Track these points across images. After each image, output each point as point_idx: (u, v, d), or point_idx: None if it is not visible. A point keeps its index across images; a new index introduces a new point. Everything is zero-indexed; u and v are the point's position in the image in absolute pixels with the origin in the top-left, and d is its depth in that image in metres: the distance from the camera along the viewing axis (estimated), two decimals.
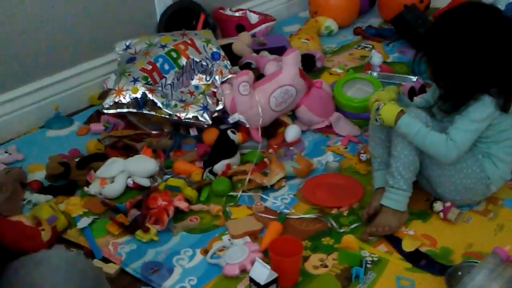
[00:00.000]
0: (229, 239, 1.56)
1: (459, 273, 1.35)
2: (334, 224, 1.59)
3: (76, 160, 1.83)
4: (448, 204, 1.58)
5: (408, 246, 1.49)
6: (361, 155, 1.87)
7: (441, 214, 1.57)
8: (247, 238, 1.55)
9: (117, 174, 1.74)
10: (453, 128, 1.50)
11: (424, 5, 2.86)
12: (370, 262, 1.46)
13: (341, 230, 1.57)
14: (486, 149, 1.54)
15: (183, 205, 1.64)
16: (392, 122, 1.53)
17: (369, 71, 2.34)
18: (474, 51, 1.44)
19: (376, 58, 2.39)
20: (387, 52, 2.63)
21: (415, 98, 1.95)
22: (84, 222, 1.62)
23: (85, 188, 1.75)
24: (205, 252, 1.52)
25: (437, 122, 1.57)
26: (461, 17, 1.48)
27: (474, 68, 1.45)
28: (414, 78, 2.16)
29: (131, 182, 1.76)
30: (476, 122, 1.48)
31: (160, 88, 1.94)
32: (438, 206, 1.59)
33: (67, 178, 1.78)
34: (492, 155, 1.54)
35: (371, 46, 2.70)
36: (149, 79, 1.94)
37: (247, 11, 2.72)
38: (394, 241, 1.51)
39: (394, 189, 1.54)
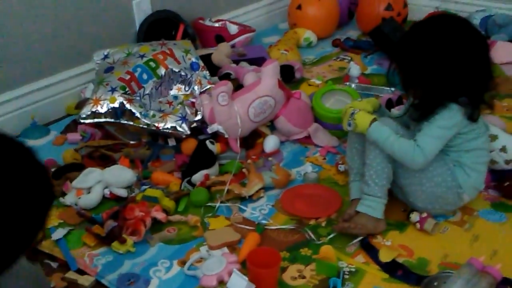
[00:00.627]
0: (207, 250, 1.55)
1: (435, 283, 1.36)
2: (312, 236, 1.59)
3: (52, 170, 1.80)
4: (424, 214, 1.59)
5: (385, 256, 1.50)
6: (339, 166, 1.88)
7: (418, 225, 1.59)
8: (225, 249, 1.54)
9: (94, 185, 1.72)
10: (420, 135, 1.51)
11: (402, 18, 2.90)
12: (347, 273, 1.46)
13: (319, 242, 1.57)
14: (457, 158, 1.56)
15: (160, 215, 1.62)
16: (365, 127, 1.55)
17: (348, 83, 2.36)
18: (442, 60, 1.46)
19: (355, 70, 2.41)
20: (365, 64, 2.65)
21: (392, 110, 1.97)
22: (59, 234, 1.59)
23: (61, 198, 1.73)
24: (183, 263, 1.50)
25: (409, 131, 1.59)
26: (430, 28, 1.50)
27: (442, 78, 1.47)
28: (392, 90, 2.18)
29: (108, 193, 1.74)
30: (442, 129, 1.50)
31: (138, 98, 1.93)
32: (414, 216, 1.60)
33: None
34: (463, 164, 1.56)
35: (349, 58, 2.72)
36: (127, 89, 1.92)
37: (227, 22, 2.72)
38: (371, 252, 1.52)
39: (369, 196, 1.56)
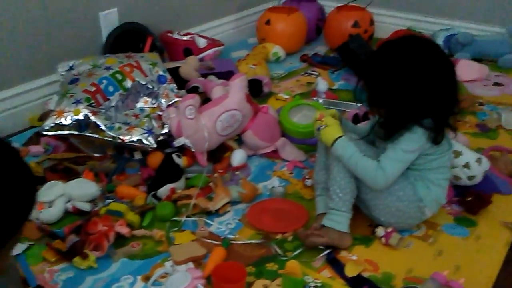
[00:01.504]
0: (171, 265, 1.52)
1: None
2: (278, 250, 1.58)
3: None
4: (389, 229, 1.60)
5: (350, 271, 1.49)
6: (306, 180, 1.88)
7: (383, 240, 1.59)
8: (191, 264, 1.52)
9: (56, 198, 1.68)
10: (384, 157, 1.53)
11: (368, 35, 2.95)
12: None
13: (285, 257, 1.56)
14: (419, 174, 1.58)
15: (124, 230, 1.59)
16: (329, 143, 1.57)
17: (315, 98, 2.38)
18: (408, 83, 1.46)
19: (322, 85, 2.43)
20: (332, 80, 2.68)
21: (359, 125, 1.99)
22: (18, 249, 1.54)
23: None
24: (147, 279, 1.47)
25: (374, 149, 1.61)
26: (399, 49, 1.51)
27: (407, 99, 1.48)
28: (358, 105, 2.21)
29: (71, 207, 1.70)
30: (405, 153, 1.51)
31: (103, 110, 1.90)
32: (380, 231, 1.61)
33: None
34: (425, 179, 1.58)
35: (317, 73, 2.75)
36: (92, 101, 1.89)
37: (196, 36, 2.72)
38: (337, 266, 1.52)
39: (334, 211, 1.57)
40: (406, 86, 1.47)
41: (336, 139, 1.56)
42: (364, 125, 1.85)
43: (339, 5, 3.05)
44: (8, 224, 0.94)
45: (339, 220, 1.56)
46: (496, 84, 2.65)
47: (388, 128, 1.54)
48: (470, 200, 1.73)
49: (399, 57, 1.49)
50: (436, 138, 1.51)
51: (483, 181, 1.79)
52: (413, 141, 1.50)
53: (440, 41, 2.92)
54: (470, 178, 1.77)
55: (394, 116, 1.52)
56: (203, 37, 2.73)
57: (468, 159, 1.76)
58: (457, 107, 1.53)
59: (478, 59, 2.81)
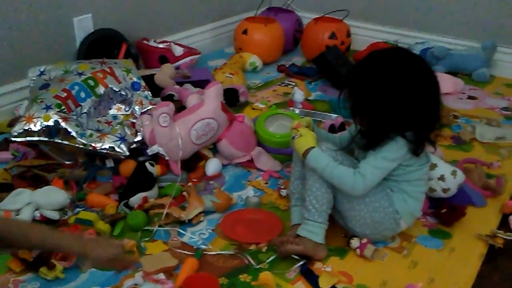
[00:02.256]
0: (142, 277, 1.48)
1: None
2: (251, 261, 1.55)
3: None
4: (364, 240, 1.59)
5: (324, 283, 1.47)
6: (281, 190, 1.87)
7: (358, 251, 1.58)
8: (162, 275, 1.48)
9: (23, 206, 1.63)
10: (364, 162, 1.53)
11: (345, 47, 2.96)
12: None
13: (258, 266, 1.53)
14: (396, 185, 1.57)
15: None
16: (300, 153, 1.56)
17: (292, 108, 2.37)
18: (394, 94, 1.47)
19: (299, 95, 2.42)
20: (309, 90, 2.68)
21: (334, 135, 1.98)
22: None
23: None
24: None
25: (351, 159, 1.60)
26: (387, 60, 1.51)
27: (391, 111, 1.48)
28: (334, 116, 2.20)
29: (39, 215, 1.65)
30: (386, 161, 1.51)
31: (75, 117, 1.86)
32: (355, 242, 1.59)
33: None
34: (402, 191, 1.58)
35: (294, 84, 2.75)
36: (63, 107, 1.85)
37: (172, 44, 2.70)
38: (311, 278, 1.49)
39: (310, 221, 1.55)
40: (392, 98, 1.47)
41: (308, 150, 1.55)
42: (339, 135, 1.84)
43: (316, 16, 3.06)
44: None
45: (314, 231, 1.55)
46: (470, 97, 2.68)
47: (370, 137, 1.54)
48: (444, 212, 1.74)
49: (386, 68, 1.49)
50: (416, 150, 1.52)
51: (458, 193, 1.80)
52: (395, 150, 1.50)
53: (415, 53, 2.94)
54: (445, 190, 1.78)
55: (378, 126, 1.52)
56: (179, 45, 2.71)
57: (443, 172, 1.77)
58: (438, 123, 1.54)
59: (453, 72, 2.84)
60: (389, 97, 1.47)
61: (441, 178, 1.76)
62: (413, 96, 1.47)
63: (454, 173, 1.78)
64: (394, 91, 1.47)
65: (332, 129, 2.11)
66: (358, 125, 1.59)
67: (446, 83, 2.71)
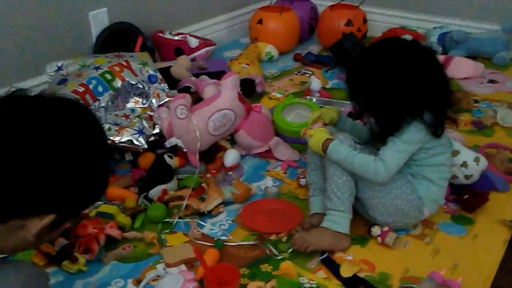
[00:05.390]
0: (163, 268, 1.49)
1: None
2: (273, 250, 1.55)
3: None
4: (385, 228, 1.57)
5: (346, 271, 1.47)
6: (301, 179, 1.86)
7: (379, 239, 1.57)
8: (183, 267, 1.49)
9: None
10: (385, 148, 1.51)
11: (362, 34, 2.93)
12: None
13: (280, 257, 1.53)
14: (420, 172, 1.56)
15: (115, 232, 1.56)
16: (321, 152, 1.56)
17: (309, 97, 2.35)
18: (391, 80, 1.45)
19: (316, 84, 2.41)
20: (326, 78, 2.66)
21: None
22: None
23: None
24: (138, 282, 1.44)
25: (371, 148, 1.58)
26: (376, 51, 1.51)
27: (394, 96, 1.46)
28: (352, 103, 2.18)
29: None
30: (406, 144, 1.50)
31: (93, 111, 1.87)
32: (376, 230, 1.58)
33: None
34: (425, 178, 1.56)
35: (310, 72, 2.73)
36: (82, 101, 1.86)
37: (187, 35, 2.69)
38: (332, 267, 1.49)
39: (333, 211, 1.54)
40: (392, 83, 1.45)
41: (325, 146, 1.54)
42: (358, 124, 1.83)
43: (332, 3, 3.03)
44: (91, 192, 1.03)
45: (337, 221, 1.53)
46: (491, 81, 2.64)
47: (387, 126, 1.52)
48: (467, 198, 1.71)
49: (380, 57, 1.48)
50: (436, 130, 1.50)
51: (480, 179, 1.77)
52: (414, 132, 1.49)
53: (434, 39, 2.91)
54: (467, 177, 1.75)
55: (390, 113, 1.50)
56: (195, 37, 2.71)
57: (465, 158, 1.74)
58: (451, 98, 1.52)
59: (472, 56, 2.80)
60: (390, 83, 1.45)
61: (464, 164, 1.74)
62: (413, 78, 1.45)
63: (477, 160, 1.75)
64: (393, 77, 1.45)
65: (351, 116, 2.08)
66: (371, 118, 1.58)
67: (466, 67, 2.68)
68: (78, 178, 0.99)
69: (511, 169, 1.88)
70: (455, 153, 1.72)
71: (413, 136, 1.49)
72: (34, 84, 2.21)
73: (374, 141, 1.59)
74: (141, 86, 2.00)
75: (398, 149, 1.49)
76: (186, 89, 2.19)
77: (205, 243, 1.58)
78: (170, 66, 2.30)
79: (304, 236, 1.53)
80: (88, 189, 1.03)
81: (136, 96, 1.99)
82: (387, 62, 1.46)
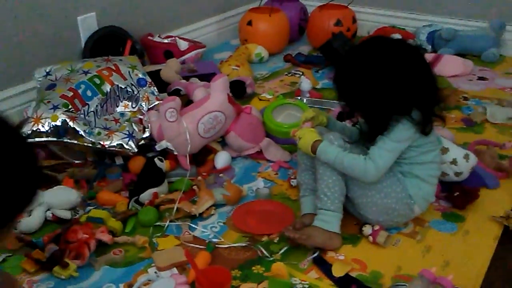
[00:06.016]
0: (155, 272, 1.48)
1: None
2: (265, 252, 1.55)
3: None
4: (376, 227, 1.57)
5: (338, 271, 1.47)
6: (292, 180, 1.86)
7: (371, 238, 1.57)
8: (175, 270, 1.49)
9: (35, 207, 1.64)
10: (374, 148, 1.52)
11: (351, 33, 2.94)
12: None
13: (271, 258, 1.52)
14: (410, 170, 1.56)
15: (106, 237, 1.55)
16: (310, 153, 1.56)
17: (299, 97, 2.35)
18: (376, 79, 1.45)
19: (306, 84, 2.41)
20: (316, 79, 2.67)
21: (343, 122, 1.97)
22: None
23: None
24: (129, 287, 1.43)
25: (361, 147, 1.58)
26: (361, 51, 1.51)
27: (381, 95, 1.46)
28: (343, 103, 2.18)
29: (51, 215, 1.66)
30: (395, 142, 1.50)
31: (82, 116, 1.86)
32: (367, 229, 1.58)
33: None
34: (415, 176, 1.56)
35: (301, 73, 2.73)
36: (70, 107, 1.85)
37: (177, 38, 2.68)
38: (324, 267, 1.49)
39: (323, 211, 1.54)
40: (378, 81, 1.45)
41: (314, 147, 1.54)
42: (349, 123, 1.83)
43: (321, 4, 3.03)
44: (14, 203, 0.94)
45: (327, 220, 1.53)
46: (481, 78, 2.65)
47: (376, 125, 1.52)
48: (457, 195, 1.72)
49: (365, 57, 1.48)
50: (424, 128, 1.50)
51: (470, 176, 1.78)
52: (402, 131, 1.49)
53: (423, 37, 2.92)
54: (458, 174, 1.76)
55: (378, 112, 1.50)
56: (184, 39, 2.70)
57: (455, 156, 1.75)
58: (439, 96, 1.52)
59: (462, 54, 2.82)
60: (377, 82, 1.45)
61: (454, 162, 1.74)
62: (400, 77, 1.44)
63: (466, 157, 1.76)
64: (380, 76, 1.45)
65: (341, 116, 2.09)
66: (361, 118, 1.59)
67: (456, 64, 2.69)
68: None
69: (501, 165, 1.88)
70: (445, 150, 1.73)
71: (402, 134, 1.49)
72: (23, 89, 2.20)
73: (364, 141, 1.59)
74: (131, 90, 1.99)
75: (387, 147, 1.50)
76: (176, 92, 2.19)
77: (196, 245, 1.58)
78: (160, 69, 2.29)
79: (297, 232, 1.53)
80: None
81: (126, 100, 1.98)
82: (374, 61, 1.46)
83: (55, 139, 1.82)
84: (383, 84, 1.45)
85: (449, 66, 2.67)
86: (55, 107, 1.82)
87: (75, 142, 1.83)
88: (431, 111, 1.51)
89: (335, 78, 1.55)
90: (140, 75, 2.04)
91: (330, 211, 1.54)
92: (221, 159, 1.96)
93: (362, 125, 1.62)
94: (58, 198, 1.67)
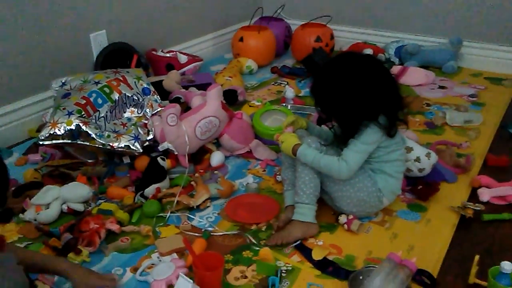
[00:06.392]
0: (157, 257, 1.48)
1: (361, 277, 1.34)
2: (252, 240, 1.54)
3: (12, 189, 1.69)
4: (351, 217, 1.58)
5: (317, 255, 1.47)
6: (277, 176, 1.86)
7: (345, 226, 1.57)
8: (175, 255, 1.48)
9: (52, 201, 1.63)
10: (347, 149, 1.52)
11: (329, 48, 2.94)
12: (284, 272, 1.42)
13: (257, 248, 1.51)
14: (379, 167, 1.56)
15: (114, 227, 1.55)
16: (291, 155, 1.56)
17: (284, 104, 2.35)
18: (348, 91, 1.45)
19: (290, 92, 2.41)
20: (299, 88, 2.66)
21: (322, 126, 1.97)
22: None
23: (21, 214, 1.62)
24: (135, 270, 1.43)
25: (335, 149, 1.59)
26: (336, 66, 1.50)
27: (352, 104, 1.46)
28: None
29: (66, 208, 1.65)
30: (365, 145, 1.50)
31: (93, 121, 1.85)
32: (342, 218, 1.59)
33: (3, 206, 1.64)
34: (383, 172, 1.56)
35: (286, 83, 2.73)
36: (83, 113, 1.84)
37: (177, 53, 2.68)
38: (305, 252, 1.49)
39: (300, 204, 1.54)
40: (350, 93, 1.46)
41: (295, 150, 1.54)
42: (326, 127, 1.83)
43: (303, 22, 3.04)
44: None
45: (304, 213, 1.54)
46: (441, 87, 2.66)
47: (348, 129, 1.52)
48: (420, 188, 1.73)
49: (339, 71, 1.48)
50: (390, 132, 1.50)
51: (432, 172, 1.79)
52: (370, 134, 1.49)
53: (391, 51, 2.93)
54: (421, 170, 1.77)
55: (350, 118, 1.51)
56: (184, 53, 2.69)
57: (418, 154, 1.75)
58: (402, 103, 1.52)
59: (425, 66, 2.83)
60: (348, 91, 1.45)
61: (417, 159, 1.75)
62: (367, 87, 1.45)
63: (428, 155, 1.76)
64: (350, 87, 1.45)
65: (320, 120, 2.09)
66: (335, 122, 1.59)
67: (419, 75, 2.71)
68: None
69: (458, 163, 1.89)
70: (409, 149, 1.74)
71: (370, 137, 1.49)
72: (42, 98, 2.19)
73: (338, 142, 1.60)
74: (136, 98, 1.98)
75: (358, 149, 1.50)
76: (177, 100, 2.18)
77: (194, 234, 1.57)
78: (162, 80, 2.29)
79: (279, 234, 1.53)
80: None
81: (132, 107, 1.97)
82: (345, 74, 1.46)
83: (70, 141, 1.81)
84: (353, 94, 1.45)
85: (414, 77, 2.68)
86: (70, 113, 1.81)
87: (88, 143, 1.82)
88: (395, 116, 1.51)
89: (312, 88, 1.55)
90: (145, 85, 2.04)
91: (306, 204, 1.54)
92: (216, 158, 1.96)
93: (336, 129, 1.62)
94: (73, 193, 1.66)
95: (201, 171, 1.89)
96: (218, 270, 1.33)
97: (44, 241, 1.49)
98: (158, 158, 1.81)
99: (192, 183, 1.77)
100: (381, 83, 1.47)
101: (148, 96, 2.02)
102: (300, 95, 2.56)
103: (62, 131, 1.79)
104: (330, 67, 1.52)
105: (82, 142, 1.81)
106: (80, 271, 1.29)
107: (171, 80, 2.29)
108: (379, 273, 1.28)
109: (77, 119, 1.80)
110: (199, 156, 1.96)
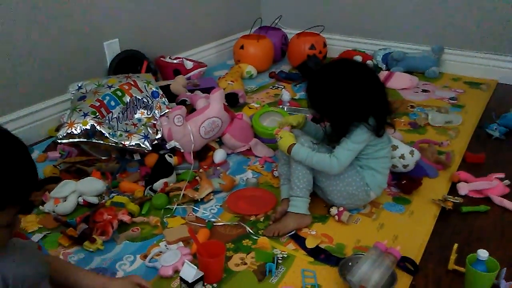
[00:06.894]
0: (165, 245, 1.48)
1: (350, 263, 1.34)
2: (250, 231, 1.54)
3: None
4: (341, 209, 1.58)
5: (310, 243, 1.47)
6: (274, 172, 1.86)
7: (336, 217, 1.57)
8: (181, 244, 1.48)
9: (69, 194, 1.63)
10: (339, 147, 1.52)
11: (322, 55, 2.94)
12: (280, 259, 1.42)
13: (256, 237, 1.51)
14: (367, 163, 1.56)
15: (126, 218, 1.55)
16: (285, 152, 1.56)
17: (281, 106, 2.35)
18: (341, 94, 1.44)
19: (286, 95, 2.40)
20: (295, 91, 2.66)
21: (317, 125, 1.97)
22: (36, 238, 1.49)
23: (40, 206, 1.62)
24: (145, 257, 1.43)
25: (327, 147, 1.58)
26: (329, 71, 1.49)
27: (344, 107, 1.46)
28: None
29: (82, 200, 1.65)
30: (355, 143, 1.50)
31: (107, 121, 1.85)
32: (333, 210, 1.59)
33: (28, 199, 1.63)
34: (371, 168, 1.56)
35: (282, 87, 2.72)
36: (97, 114, 1.83)
37: (184, 59, 2.67)
38: (299, 240, 1.49)
39: (294, 197, 1.54)
40: (342, 97, 1.45)
41: (290, 148, 1.54)
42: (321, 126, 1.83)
43: (298, 31, 3.03)
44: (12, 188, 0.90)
45: (298, 205, 1.54)
46: (424, 91, 2.66)
47: (340, 129, 1.52)
48: (405, 183, 1.72)
49: (332, 76, 1.47)
50: (378, 132, 1.50)
51: (415, 168, 1.78)
52: (360, 134, 1.49)
53: (379, 58, 2.93)
54: (405, 166, 1.77)
55: (341, 119, 1.51)
56: (190, 60, 2.69)
57: (403, 151, 1.75)
58: (391, 107, 1.52)
59: (409, 71, 2.82)
60: (340, 95, 1.45)
61: (402, 156, 1.75)
62: (358, 91, 1.44)
63: (412, 153, 1.76)
64: (342, 91, 1.44)
65: (314, 120, 2.08)
66: (328, 122, 1.58)
67: (404, 80, 2.70)
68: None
69: (439, 159, 1.89)
70: (395, 147, 1.73)
71: (360, 137, 1.49)
72: (60, 100, 2.19)
73: (329, 141, 1.59)
74: (146, 100, 1.98)
75: (348, 147, 1.50)
76: (183, 102, 2.18)
77: (198, 224, 1.57)
78: (170, 84, 2.28)
79: (275, 226, 1.53)
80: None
81: (142, 109, 1.97)
82: (338, 79, 1.46)
83: (85, 139, 1.81)
84: (345, 97, 1.45)
85: (399, 81, 2.68)
86: (85, 114, 1.81)
87: (102, 142, 1.81)
88: (383, 118, 1.51)
89: (307, 91, 1.55)
90: (154, 89, 2.03)
91: (299, 197, 1.54)
92: (219, 155, 1.95)
93: (327, 129, 1.62)
94: (88, 187, 1.66)
95: (205, 167, 1.89)
96: (220, 257, 1.33)
97: (62, 231, 1.49)
98: (166, 155, 1.81)
99: (197, 178, 1.78)
100: (370, 88, 1.46)
101: (157, 99, 2.01)
102: (295, 98, 2.56)
103: (79, 131, 1.78)
104: (324, 73, 1.51)
105: (96, 141, 1.81)
106: (116, 282, 1.21)
107: (178, 84, 2.28)
108: (366, 260, 1.29)
109: (92, 119, 1.80)
110: (203, 153, 1.96)
